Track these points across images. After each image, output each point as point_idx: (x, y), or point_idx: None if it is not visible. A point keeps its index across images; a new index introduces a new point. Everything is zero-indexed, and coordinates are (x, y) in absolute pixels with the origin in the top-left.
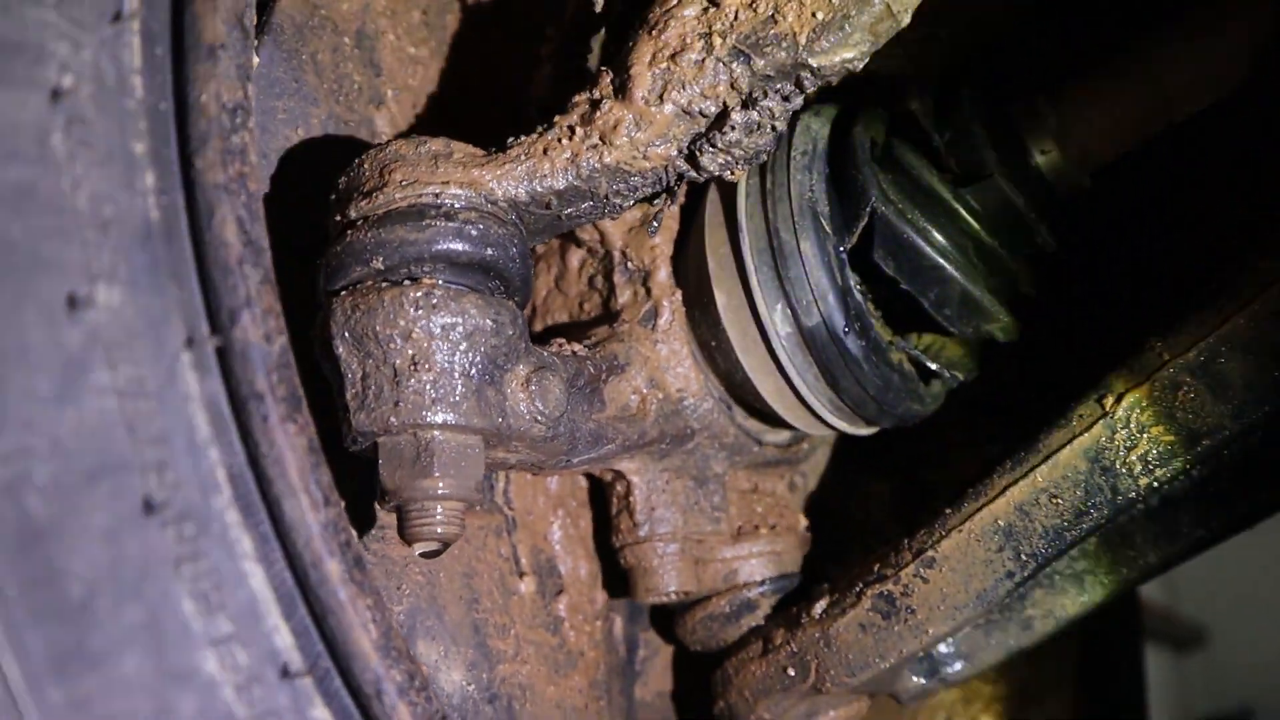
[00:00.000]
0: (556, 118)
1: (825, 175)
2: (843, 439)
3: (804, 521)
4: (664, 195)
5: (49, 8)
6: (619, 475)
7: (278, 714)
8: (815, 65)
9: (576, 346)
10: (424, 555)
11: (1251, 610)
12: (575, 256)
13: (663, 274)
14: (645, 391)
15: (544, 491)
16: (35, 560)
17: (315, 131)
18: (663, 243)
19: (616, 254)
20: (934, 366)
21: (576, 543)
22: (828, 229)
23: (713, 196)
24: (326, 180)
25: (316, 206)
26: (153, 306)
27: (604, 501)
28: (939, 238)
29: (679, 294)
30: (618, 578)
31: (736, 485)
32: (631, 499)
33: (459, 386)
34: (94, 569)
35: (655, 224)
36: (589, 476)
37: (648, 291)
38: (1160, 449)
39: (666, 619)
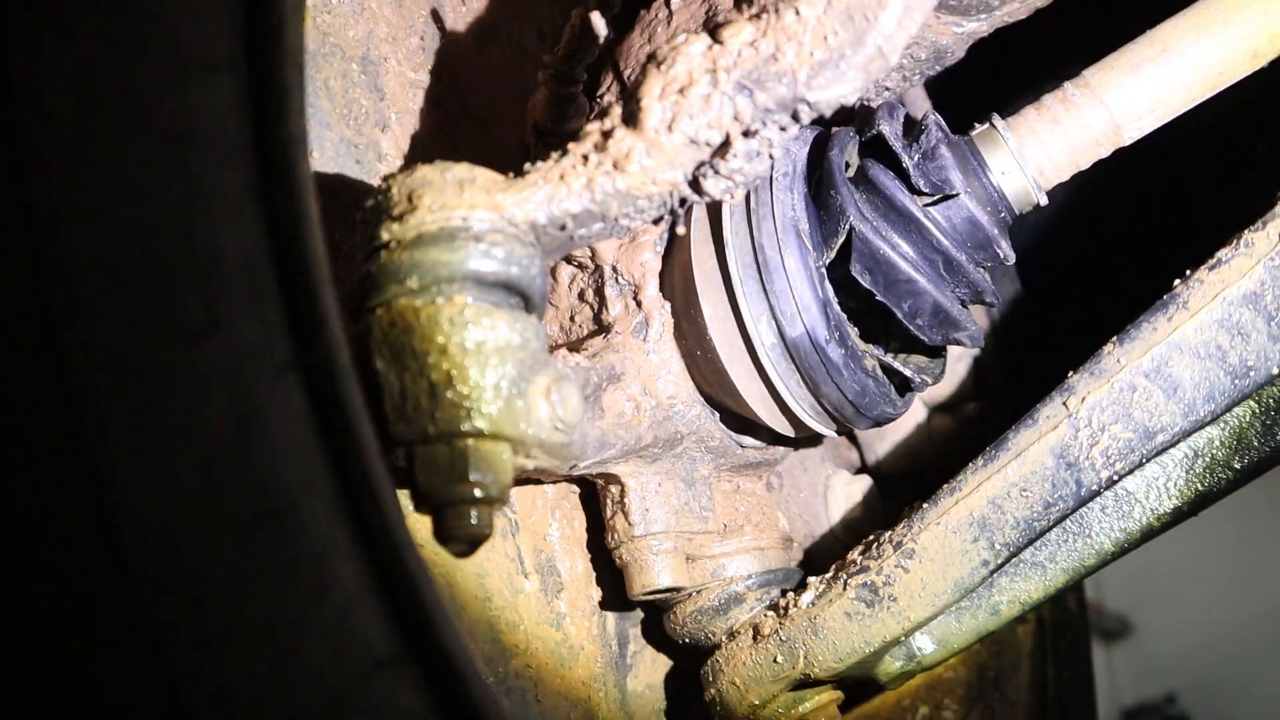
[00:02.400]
0: (570, 145)
1: (805, 195)
2: (813, 444)
3: (783, 519)
4: (669, 216)
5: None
6: (614, 479)
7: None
8: (812, 100)
9: (578, 358)
10: (456, 554)
11: (1171, 601)
12: (565, 272)
13: (652, 288)
14: (639, 399)
15: (541, 496)
16: None
17: (329, 154)
18: (651, 258)
19: (607, 269)
20: (906, 372)
21: (573, 543)
22: (809, 245)
23: (698, 215)
24: (339, 199)
25: (330, 224)
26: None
27: (598, 504)
28: (912, 252)
29: (668, 306)
30: (611, 576)
31: (720, 486)
32: (626, 501)
33: (489, 397)
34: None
35: (659, 242)
36: (582, 481)
37: (638, 304)
38: (1119, 444)
39: (655, 615)
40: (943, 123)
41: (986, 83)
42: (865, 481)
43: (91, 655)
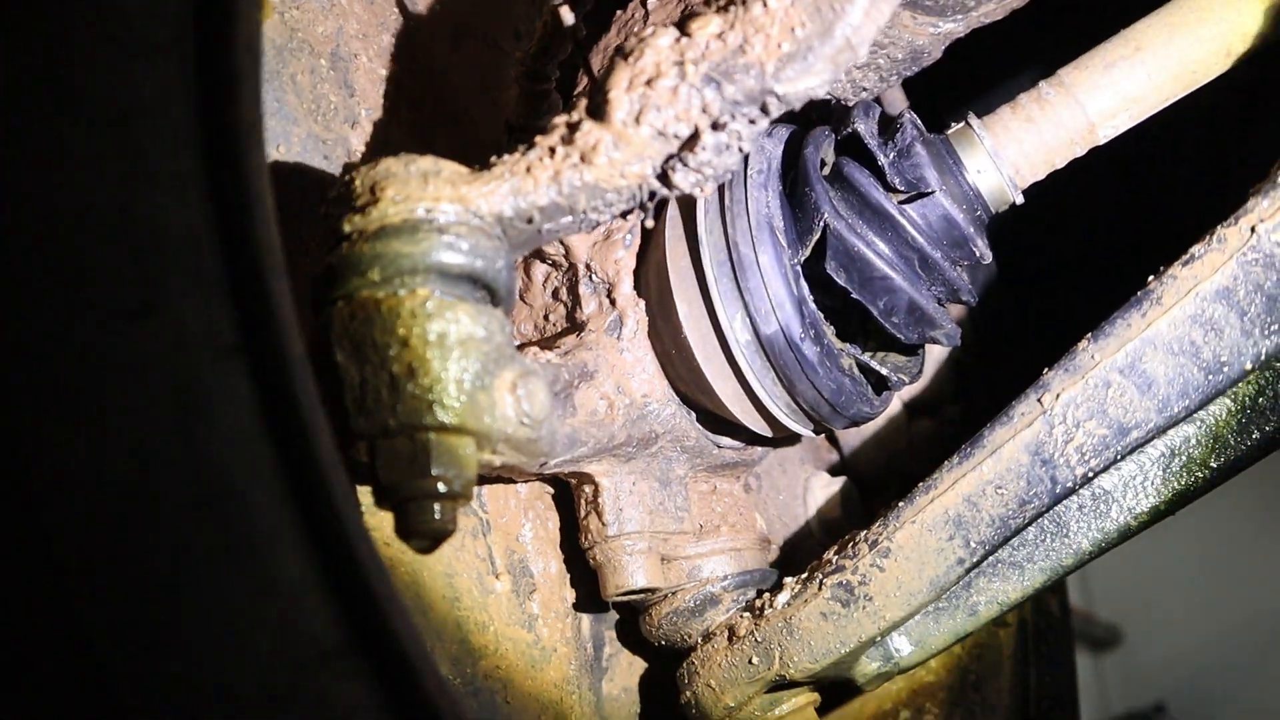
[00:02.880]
0: (538, 138)
1: (780, 192)
2: (791, 445)
3: (760, 520)
4: (637, 211)
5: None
6: (587, 478)
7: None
8: (781, 92)
9: (550, 355)
10: (419, 550)
11: (1161, 610)
12: (539, 270)
13: (626, 286)
14: (613, 397)
15: (514, 495)
16: None
17: (295, 149)
18: (625, 256)
19: (581, 267)
20: (883, 371)
21: (546, 544)
22: (783, 242)
23: (672, 212)
24: (305, 195)
25: (295, 218)
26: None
27: (572, 504)
28: (887, 250)
29: (642, 304)
30: (585, 577)
31: (696, 486)
32: (600, 500)
33: (452, 390)
34: None
35: (630, 237)
36: (556, 481)
37: (612, 302)
38: (1094, 441)
39: (631, 616)
40: (918, 121)
41: (963, 83)
42: (844, 482)
43: (15, 647)
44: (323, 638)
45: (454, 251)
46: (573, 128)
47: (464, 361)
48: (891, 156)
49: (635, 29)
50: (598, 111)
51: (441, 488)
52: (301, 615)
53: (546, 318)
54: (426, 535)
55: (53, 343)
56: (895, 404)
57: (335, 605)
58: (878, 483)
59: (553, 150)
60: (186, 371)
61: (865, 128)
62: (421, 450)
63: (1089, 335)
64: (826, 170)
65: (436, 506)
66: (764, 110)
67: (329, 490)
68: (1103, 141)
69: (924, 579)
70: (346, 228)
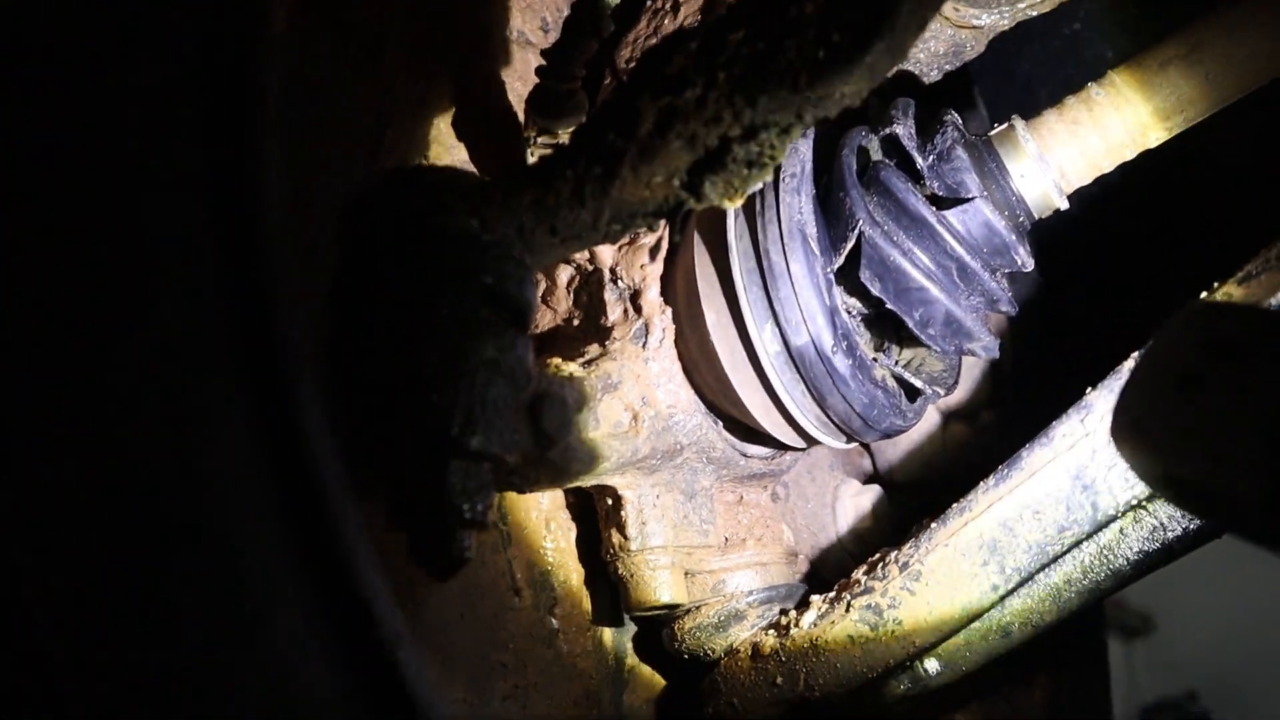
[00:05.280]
0: (561, 149)
1: (813, 197)
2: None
3: (788, 532)
4: (665, 221)
5: None
6: (610, 490)
7: None
8: (815, 100)
9: (573, 367)
10: (434, 577)
11: (1194, 598)
12: (564, 273)
13: (652, 292)
14: (637, 409)
15: (535, 507)
16: None
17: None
18: (651, 261)
19: (606, 272)
20: (917, 383)
21: (568, 556)
22: (815, 250)
23: (701, 217)
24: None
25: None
26: None
27: (594, 516)
28: (924, 259)
29: (669, 312)
30: (606, 589)
31: (722, 498)
32: (622, 513)
33: (470, 413)
34: None
35: (662, 246)
36: (578, 491)
37: (637, 310)
38: None
39: (653, 629)
40: (959, 122)
41: (1005, 80)
42: (875, 491)
43: None
44: (320, 685)
45: (475, 268)
46: (597, 137)
47: (484, 385)
48: (931, 159)
49: (665, 21)
50: (622, 121)
51: (460, 514)
52: (299, 662)
53: (570, 321)
54: (443, 563)
55: (52, 365)
56: (929, 409)
57: (336, 648)
58: (910, 488)
59: (576, 162)
60: (184, 393)
61: (904, 129)
62: (438, 475)
63: (1136, 353)
64: (863, 174)
65: (454, 533)
66: (798, 118)
67: (332, 524)
68: (1154, 145)
69: (956, 605)
70: (365, 242)
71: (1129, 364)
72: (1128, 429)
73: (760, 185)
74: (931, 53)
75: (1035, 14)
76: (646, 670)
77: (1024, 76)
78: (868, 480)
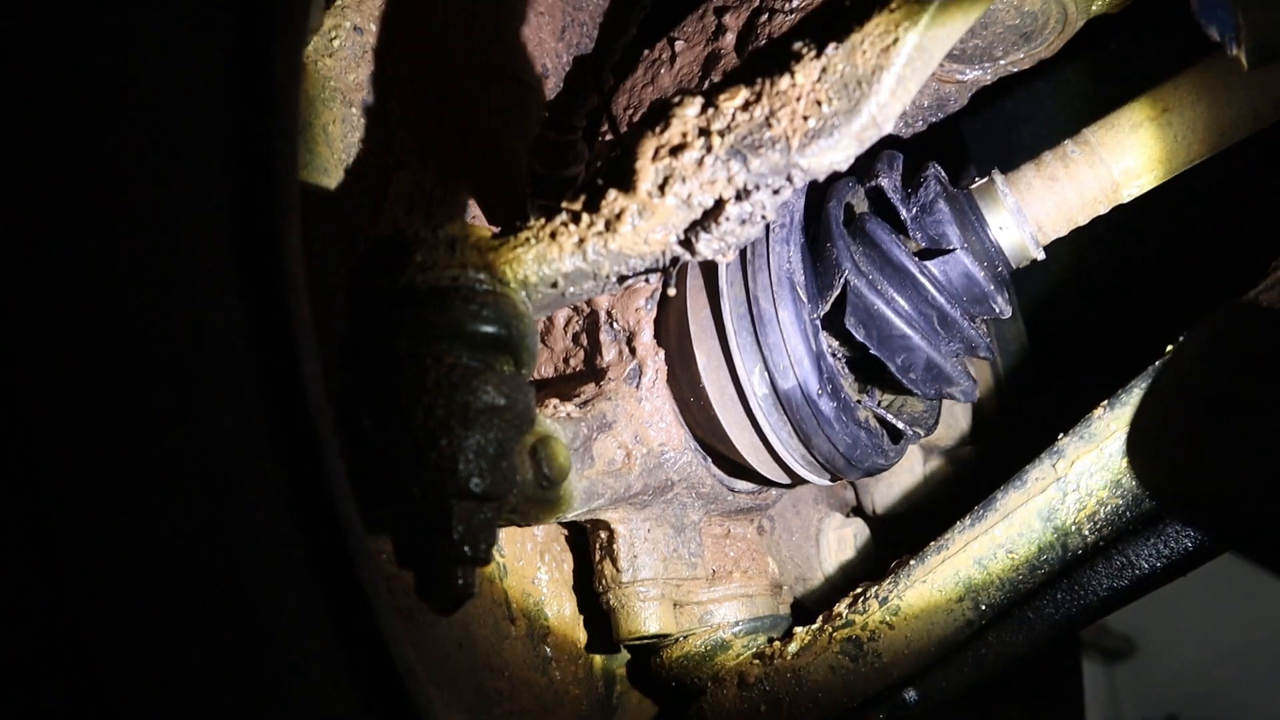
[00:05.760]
0: (563, 204)
1: (802, 245)
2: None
3: (773, 564)
4: (661, 274)
5: None
6: (603, 524)
7: None
8: (805, 166)
9: (570, 408)
10: (438, 611)
11: (1175, 621)
12: (561, 314)
13: (646, 335)
14: (631, 446)
15: (531, 539)
16: None
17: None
18: (646, 304)
19: (602, 314)
20: (899, 424)
21: (561, 585)
22: (803, 297)
23: (694, 264)
24: (336, 246)
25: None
26: None
27: (587, 548)
28: (906, 307)
29: (662, 354)
30: (598, 618)
31: (710, 531)
32: (615, 546)
33: (474, 459)
34: None
35: (656, 291)
36: (571, 524)
37: (632, 351)
38: (1108, 511)
39: (642, 656)
40: (943, 176)
41: (987, 136)
42: (857, 524)
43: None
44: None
45: (480, 320)
46: (598, 194)
47: (486, 431)
48: (914, 211)
49: (662, 71)
50: (623, 180)
51: (464, 553)
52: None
53: (566, 361)
54: (447, 599)
55: (92, 442)
56: (912, 445)
57: (363, 701)
58: (891, 522)
59: (578, 216)
60: (219, 467)
61: (889, 182)
62: (443, 517)
63: (1105, 403)
64: (849, 225)
65: (458, 571)
66: (789, 181)
67: (361, 590)
68: (1126, 200)
69: (932, 639)
70: (374, 295)
71: (1098, 413)
72: (1146, 449)
73: (750, 241)
74: (917, 105)
75: (1016, 70)
76: (636, 697)
77: (1007, 115)
78: (851, 514)
